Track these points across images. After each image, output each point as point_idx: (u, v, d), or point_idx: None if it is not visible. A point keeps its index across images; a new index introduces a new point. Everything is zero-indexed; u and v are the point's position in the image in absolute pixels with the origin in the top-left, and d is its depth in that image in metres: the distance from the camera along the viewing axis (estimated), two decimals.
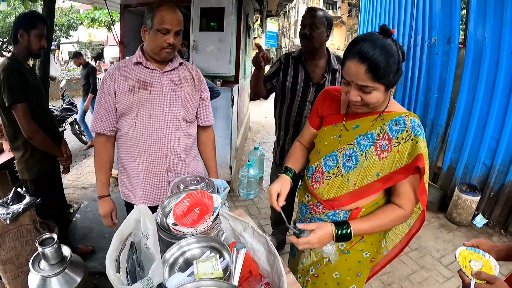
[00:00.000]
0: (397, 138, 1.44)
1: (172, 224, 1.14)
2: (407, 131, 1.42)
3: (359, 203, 1.57)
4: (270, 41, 17.78)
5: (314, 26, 2.46)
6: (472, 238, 4.14)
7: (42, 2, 3.66)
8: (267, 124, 9.93)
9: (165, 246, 1.10)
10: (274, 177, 2.97)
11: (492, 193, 4.44)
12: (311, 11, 2.53)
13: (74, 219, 4.10)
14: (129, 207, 2.21)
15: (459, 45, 4.91)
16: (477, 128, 4.58)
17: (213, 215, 1.16)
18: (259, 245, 1.22)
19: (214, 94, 3.35)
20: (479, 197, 4.39)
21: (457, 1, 4.88)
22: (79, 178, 5.43)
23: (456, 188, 4.54)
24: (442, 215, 4.70)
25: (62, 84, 7.85)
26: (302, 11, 37.70)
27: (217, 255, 1.01)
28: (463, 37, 4.87)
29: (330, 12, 34.50)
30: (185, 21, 4.66)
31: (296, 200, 1.94)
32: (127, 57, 2.05)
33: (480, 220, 4.46)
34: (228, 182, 4.44)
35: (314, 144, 1.73)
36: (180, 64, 2.07)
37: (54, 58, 26.78)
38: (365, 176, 1.51)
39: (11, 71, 2.43)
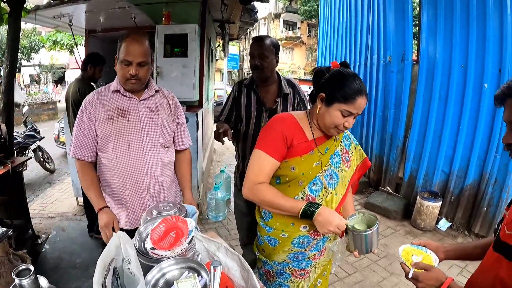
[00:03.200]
0: (351, 150, 1.85)
1: (151, 248, 1.20)
2: (352, 143, 1.89)
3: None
4: (232, 63, 18.01)
5: (263, 56, 2.53)
6: (437, 241, 4.23)
7: (7, 25, 3.61)
8: (231, 147, 9.75)
9: (144, 269, 1.14)
10: (237, 200, 3.07)
11: (453, 198, 4.70)
12: (258, 41, 2.59)
13: (43, 249, 3.97)
14: None
15: (413, 62, 5.19)
16: (434, 138, 4.85)
17: (188, 237, 1.24)
18: (232, 263, 1.30)
19: None
20: (440, 202, 4.63)
21: (409, 21, 5.19)
22: (45, 207, 5.26)
23: (418, 196, 4.77)
24: (407, 222, 4.90)
25: (25, 109, 7.61)
26: (262, 31, 38.22)
27: (196, 274, 1.06)
28: (416, 53, 5.15)
29: (290, 33, 35.27)
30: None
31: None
32: (106, 85, 2.11)
33: (443, 224, 4.70)
34: (197, 205, 4.48)
35: (281, 177, 1.74)
36: (156, 91, 2.13)
37: (16, 82, 25.95)
38: (344, 186, 1.81)
39: (87, 85, 3.73)
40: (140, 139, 2.01)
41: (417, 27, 5.34)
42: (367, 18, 6.31)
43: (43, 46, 20.65)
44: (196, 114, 4.26)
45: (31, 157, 4.59)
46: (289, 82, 2.73)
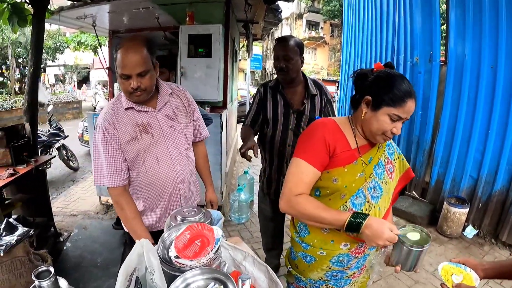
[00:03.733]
0: (394, 160, 1.72)
1: (175, 257, 1.15)
2: (395, 152, 1.76)
3: None
4: (255, 63, 17.81)
5: (288, 58, 2.47)
6: (463, 249, 4.20)
7: (31, 27, 3.65)
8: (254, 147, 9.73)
9: (167, 279, 1.11)
10: (262, 205, 3.00)
11: (480, 204, 4.51)
12: (282, 42, 2.53)
13: (64, 247, 4.01)
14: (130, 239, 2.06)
15: (441, 63, 5.03)
16: (462, 141, 4.67)
17: (215, 247, 1.18)
18: (260, 273, 1.24)
19: (207, 122, 3.36)
20: (468, 209, 4.45)
21: (437, 20, 5.01)
22: (68, 205, 5.33)
23: (445, 202, 4.60)
24: (432, 229, 4.73)
25: (49, 108, 7.73)
26: (285, 32, 38.13)
27: (222, 286, 1.03)
28: (444, 54, 5.00)
29: (313, 33, 35.06)
30: (174, 46, 4.75)
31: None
32: (112, 100, 1.96)
33: (470, 231, 4.51)
34: (220, 207, 4.44)
35: (321, 189, 1.62)
36: (170, 94, 2.02)
37: (41, 81, 26.58)
38: (388, 199, 1.69)
39: None
40: (167, 152, 1.96)
41: (445, 26, 5.18)
42: (392, 17, 6.16)
43: (67, 46, 21.08)
44: (221, 115, 4.24)
45: (54, 156, 4.66)
46: (315, 82, 2.67)
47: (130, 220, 1.89)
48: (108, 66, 5.08)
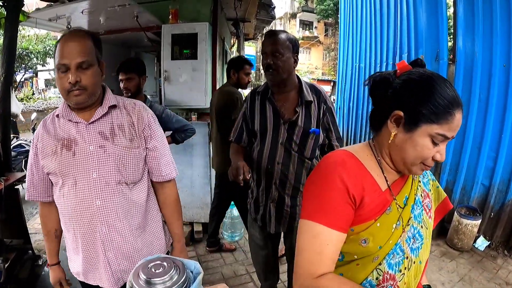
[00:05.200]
0: (430, 191, 1.30)
1: None
2: (430, 180, 1.33)
3: None
4: None
5: (278, 53, 2.04)
6: (476, 264, 3.93)
7: (3, 31, 3.38)
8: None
9: None
10: (251, 230, 2.53)
11: (492, 214, 4.31)
12: (271, 36, 2.11)
13: (43, 272, 3.64)
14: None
15: (448, 61, 4.74)
16: (473, 147, 4.42)
17: None
18: None
19: (188, 134, 3.04)
20: (480, 220, 4.20)
21: (443, 16, 4.73)
22: None
23: (455, 213, 4.31)
24: (442, 241, 4.44)
25: (33, 116, 7.40)
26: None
27: None
28: (452, 51, 4.74)
29: (307, 32, 35.02)
30: (157, 48, 4.37)
31: None
32: (57, 109, 1.64)
33: (482, 243, 4.28)
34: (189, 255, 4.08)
35: (345, 254, 1.18)
36: (113, 106, 1.59)
37: (33, 86, 26.23)
38: (428, 246, 1.24)
39: (232, 93, 3.48)
40: (87, 178, 1.51)
41: (452, 22, 4.89)
42: (394, 13, 5.91)
43: None
44: (208, 124, 3.84)
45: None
46: (312, 87, 2.23)
47: (44, 236, 1.77)
48: None
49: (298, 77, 2.24)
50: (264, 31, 9.14)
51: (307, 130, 2.11)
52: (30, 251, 3.71)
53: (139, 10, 3.33)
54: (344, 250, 1.13)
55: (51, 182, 1.60)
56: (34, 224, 4.69)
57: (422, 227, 1.18)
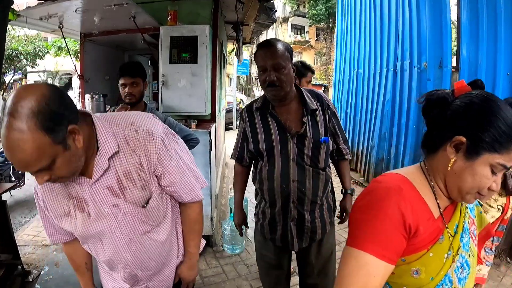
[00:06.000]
0: (475, 217, 1.21)
1: None
2: (474, 205, 1.22)
3: None
4: (242, 69, 17.36)
5: (280, 66, 1.86)
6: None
7: None
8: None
9: None
10: (263, 251, 2.29)
11: None
12: (268, 47, 1.92)
13: None
14: None
15: (452, 69, 4.68)
16: None
17: None
18: None
19: (191, 144, 2.81)
20: None
21: (447, 23, 4.68)
22: (41, 232, 4.64)
23: None
24: None
25: None
26: (270, 36, 38.28)
27: None
28: (456, 59, 4.69)
29: (298, 37, 35.24)
30: (153, 50, 4.19)
31: None
32: None
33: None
34: (210, 236, 3.92)
35: (392, 285, 1.08)
36: (114, 154, 1.28)
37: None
38: (474, 274, 1.15)
39: None
40: (111, 236, 1.37)
41: (456, 29, 4.87)
42: (395, 17, 5.81)
43: (47, 52, 20.48)
44: (209, 132, 3.65)
45: (19, 183, 4.09)
46: (312, 93, 2.08)
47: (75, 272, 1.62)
48: (80, 73, 4.47)
49: (296, 85, 2.08)
50: (262, 35, 9.01)
51: (318, 140, 1.97)
52: (20, 267, 3.57)
53: (136, 10, 3.15)
54: (393, 280, 1.05)
55: None
56: (23, 235, 4.45)
57: (469, 255, 1.09)
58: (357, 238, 0.99)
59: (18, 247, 3.59)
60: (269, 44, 1.92)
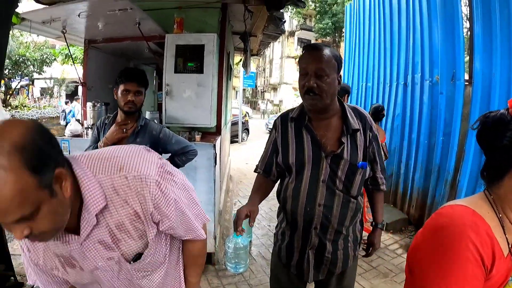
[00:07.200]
0: None
1: None
2: None
3: None
4: (248, 81, 17.23)
5: (323, 73, 1.67)
6: None
7: None
8: (248, 172, 8.65)
9: None
10: (278, 274, 2.10)
11: None
12: (314, 51, 1.73)
13: None
14: None
15: (465, 82, 4.54)
16: None
17: None
18: None
19: (189, 156, 2.68)
20: None
21: (460, 35, 4.54)
22: None
23: None
24: None
25: None
26: (277, 49, 38.58)
27: None
28: (469, 72, 4.55)
29: None
30: (158, 60, 4.08)
31: None
32: None
33: None
34: (212, 254, 3.76)
35: None
36: (102, 210, 1.10)
37: (28, 94, 25.99)
38: None
39: None
40: (110, 285, 1.24)
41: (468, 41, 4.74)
42: (406, 30, 5.70)
43: (55, 59, 20.60)
44: (214, 146, 3.51)
45: None
46: (356, 111, 1.88)
47: None
48: (83, 80, 4.35)
49: (340, 100, 1.87)
50: (269, 46, 8.91)
51: (355, 164, 1.76)
52: (12, 278, 3.37)
53: (141, 16, 3.03)
54: None
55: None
56: (17, 245, 4.34)
57: None
58: (430, 279, 0.90)
59: (12, 257, 3.46)
60: (316, 48, 1.74)
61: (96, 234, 1.11)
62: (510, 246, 0.92)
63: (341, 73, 1.82)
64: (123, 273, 1.22)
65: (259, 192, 2.00)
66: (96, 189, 1.06)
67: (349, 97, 4.73)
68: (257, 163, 2.08)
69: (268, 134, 2.07)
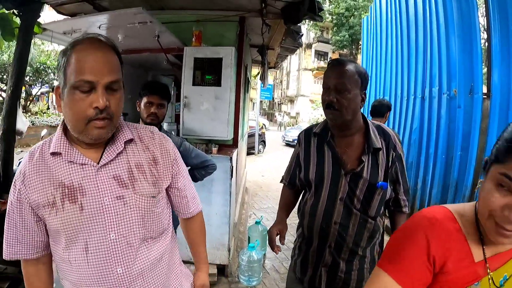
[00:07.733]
0: None
1: None
2: None
3: None
4: (266, 93, 17.29)
5: (344, 89, 1.66)
6: None
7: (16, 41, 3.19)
8: (264, 185, 8.92)
9: None
10: (291, 286, 2.11)
11: None
12: (337, 66, 1.72)
13: None
14: None
15: (483, 95, 4.49)
16: None
17: None
18: None
19: (208, 170, 2.71)
20: None
21: (478, 48, 4.50)
22: None
23: None
24: None
25: (43, 132, 7.15)
26: (294, 61, 38.72)
27: None
28: (487, 85, 4.48)
29: (322, 63, 35.38)
30: (176, 71, 4.14)
31: None
32: (47, 139, 1.22)
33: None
34: (226, 266, 3.74)
35: None
36: (129, 141, 1.24)
37: (48, 101, 26.53)
38: None
39: None
40: (103, 240, 1.14)
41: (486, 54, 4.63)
42: (423, 42, 5.66)
43: None
44: (230, 158, 3.52)
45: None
46: (380, 129, 1.84)
47: None
48: None
49: (364, 117, 1.86)
50: (287, 58, 8.94)
51: (374, 184, 1.73)
52: None
53: (160, 29, 3.10)
54: None
55: (40, 237, 1.22)
56: None
57: None
58: (384, 259, 1.02)
59: None
60: (339, 63, 1.74)
61: (114, 167, 1.19)
62: (485, 255, 0.94)
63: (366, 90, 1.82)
64: (125, 224, 1.18)
65: (285, 207, 2.07)
66: (126, 128, 1.26)
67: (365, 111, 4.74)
68: (283, 174, 2.12)
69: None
